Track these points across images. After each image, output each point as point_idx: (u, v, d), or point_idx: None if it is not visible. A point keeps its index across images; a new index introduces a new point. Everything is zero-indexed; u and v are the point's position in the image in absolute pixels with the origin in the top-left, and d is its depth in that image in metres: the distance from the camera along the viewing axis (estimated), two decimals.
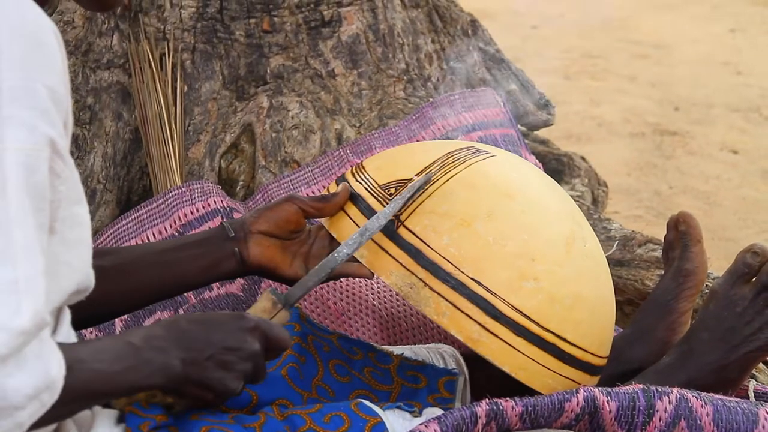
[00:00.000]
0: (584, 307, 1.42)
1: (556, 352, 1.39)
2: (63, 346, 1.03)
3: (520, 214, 1.43)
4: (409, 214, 1.41)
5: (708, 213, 3.22)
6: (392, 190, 1.44)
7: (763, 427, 1.33)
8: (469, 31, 2.61)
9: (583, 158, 2.70)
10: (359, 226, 1.43)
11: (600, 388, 1.36)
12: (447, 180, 1.44)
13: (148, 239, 2.04)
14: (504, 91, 2.51)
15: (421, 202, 1.41)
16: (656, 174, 3.57)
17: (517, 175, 1.50)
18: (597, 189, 2.62)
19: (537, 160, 2.33)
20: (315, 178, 2.19)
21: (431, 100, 2.34)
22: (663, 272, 1.77)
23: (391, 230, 1.40)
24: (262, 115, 2.29)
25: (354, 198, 1.48)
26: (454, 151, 1.50)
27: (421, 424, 1.29)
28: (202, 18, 2.30)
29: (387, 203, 1.42)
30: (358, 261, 1.42)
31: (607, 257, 2.14)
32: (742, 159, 3.72)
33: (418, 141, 2.23)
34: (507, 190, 1.45)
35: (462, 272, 1.36)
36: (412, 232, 1.39)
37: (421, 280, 1.36)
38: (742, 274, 1.59)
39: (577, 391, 1.33)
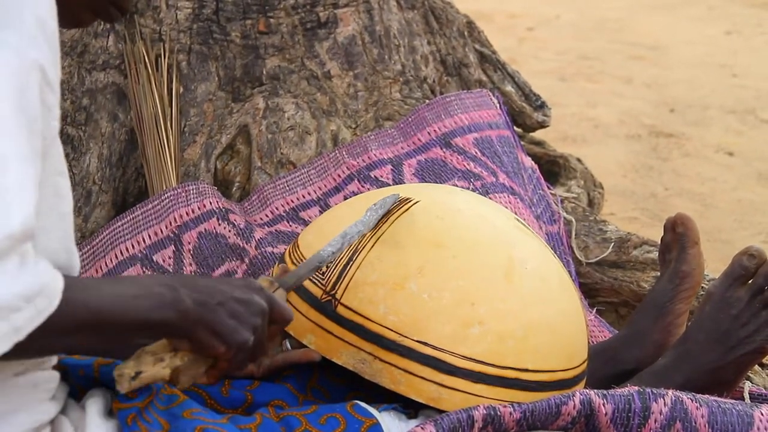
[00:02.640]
0: (539, 331, 1.41)
1: (521, 385, 1.38)
2: (65, 276, 1.03)
3: (451, 260, 1.41)
4: (344, 291, 1.40)
5: (704, 215, 3.22)
6: (324, 268, 1.43)
7: (758, 428, 1.33)
8: (465, 33, 2.61)
9: (579, 160, 2.70)
10: (301, 313, 1.42)
11: (596, 390, 1.36)
12: (372, 246, 1.43)
13: (144, 240, 2.04)
14: (500, 92, 2.51)
15: (353, 276, 1.40)
16: (652, 176, 3.57)
17: (444, 216, 1.48)
18: (593, 191, 2.62)
19: (533, 162, 2.34)
20: (311, 180, 2.19)
21: (427, 101, 2.34)
22: (659, 274, 1.78)
23: (330, 311, 1.40)
24: (258, 116, 2.28)
25: None
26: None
27: (417, 426, 1.29)
28: (198, 19, 2.30)
29: (322, 285, 1.42)
30: (307, 346, 1.42)
31: (602, 259, 2.15)
32: (737, 161, 3.72)
33: (413, 142, 2.23)
34: (434, 239, 1.43)
35: (406, 337, 1.36)
36: (350, 309, 1.39)
37: (370, 354, 1.37)
38: (738, 276, 1.60)
39: (573, 395, 1.34)
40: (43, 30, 1.03)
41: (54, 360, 1.20)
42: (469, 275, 1.40)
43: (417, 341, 1.36)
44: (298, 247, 1.53)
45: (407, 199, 1.50)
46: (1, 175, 0.95)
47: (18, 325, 0.95)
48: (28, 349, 0.99)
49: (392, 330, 1.36)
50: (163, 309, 1.10)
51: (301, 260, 1.48)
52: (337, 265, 1.42)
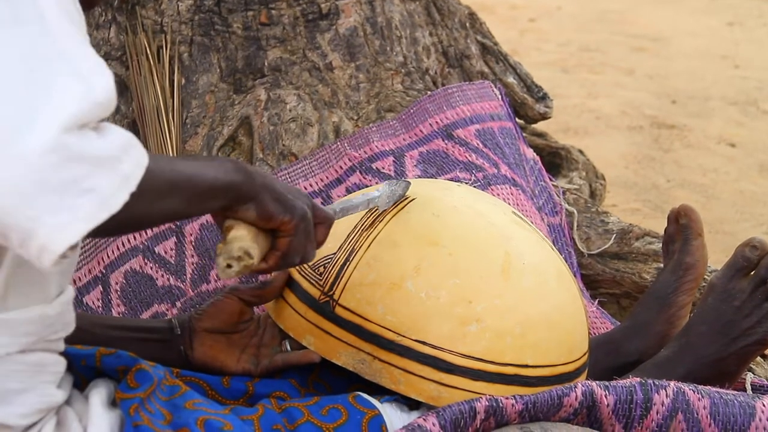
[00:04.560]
0: (538, 327, 1.41)
1: (521, 380, 1.38)
2: None
3: (447, 258, 1.41)
4: (342, 291, 1.40)
5: (705, 206, 3.22)
6: (321, 269, 1.43)
7: (760, 419, 1.33)
8: (467, 24, 2.61)
9: (580, 151, 2.70)
10: (300, 314, 1.43)
11: (598, 381, 1.36)
12: (369, 246, 1.43)
13: (146, 232, 2.04)
14: (502, 84, 2.50)
15: (350, 276, 1.41)
16: (654, 167, 3.57)
17: (439, 213, 1.48)
18: (595, 182, 2.62)
19: (535, 153, 2.33)
20: (312, 171, 2.19)
21: (429, 93, 2.33)
22: (661, 265, 1.78)
23: (329, 312, 1.40)
24: (260, 107, 2.28)
25: (291, 284, 1.47)
26: (372, 208, 1.47)
27: (419, 417, 1.29)
28: (200, 10, 2.30)
29: (320, 286, 1.42)
30: (306, 347, 1.43)
31: (604, 250, 2.15)
32: (739, 152, 3.72)
33: (415, 134, 2.23)
34: (430, 237, 1.43)
35: (404, 337, 1.36)
36: (348, 309, 1.39)
37: (369, 354, 1.37)
38: (740, 267, 1.60)
39: (575, 386, 1.34)
40: None
41: (61, 346, 1.20)
42: (466, 273, 1.40)
43: (415, 340, 1.36)
44: None
45: (404, 196, 1.50)
46: (69, 63, 0.99)
47: (126, 173, 0.99)
48: (130, 217, 1.01)
49: (390, 330, 1.37)
50: (230, 173, 1.16)
51: None
52: (334, 266, 1.42)
